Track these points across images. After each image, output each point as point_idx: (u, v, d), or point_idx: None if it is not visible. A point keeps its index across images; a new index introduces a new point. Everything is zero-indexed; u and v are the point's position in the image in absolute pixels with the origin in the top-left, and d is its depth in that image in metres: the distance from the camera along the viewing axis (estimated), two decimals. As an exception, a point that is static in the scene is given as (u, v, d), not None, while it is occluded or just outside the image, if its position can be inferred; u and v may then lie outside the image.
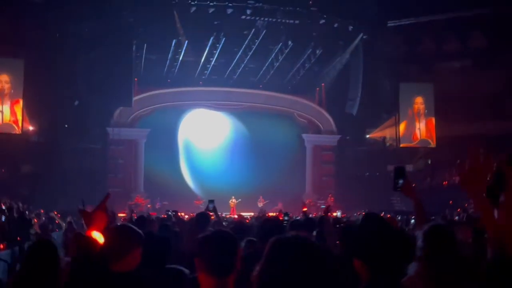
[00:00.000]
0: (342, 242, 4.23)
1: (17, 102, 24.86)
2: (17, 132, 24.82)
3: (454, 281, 2.62)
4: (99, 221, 2.88)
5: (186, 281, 3.35)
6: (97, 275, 2.82)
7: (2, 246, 9.56)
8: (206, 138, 30.81)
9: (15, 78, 24.80)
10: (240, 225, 6.08)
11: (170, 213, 9.98)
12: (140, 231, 3.11)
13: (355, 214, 21.86)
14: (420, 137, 30.04)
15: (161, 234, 4.62)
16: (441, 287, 2.62)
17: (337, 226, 4.72)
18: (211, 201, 7.30)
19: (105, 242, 2.94)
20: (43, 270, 3.70)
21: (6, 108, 24.67)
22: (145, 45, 26.16)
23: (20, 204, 18.54)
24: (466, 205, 24.05)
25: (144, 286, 2.99)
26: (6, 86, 24.74)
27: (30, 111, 25.21)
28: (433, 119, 29.83)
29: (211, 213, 6.93)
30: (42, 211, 20.17)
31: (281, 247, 1.82)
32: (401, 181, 3.25)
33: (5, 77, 24.73)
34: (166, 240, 3.94)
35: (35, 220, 15.12)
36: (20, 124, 24.87)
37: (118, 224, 3.22)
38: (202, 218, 6.10)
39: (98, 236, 2.85)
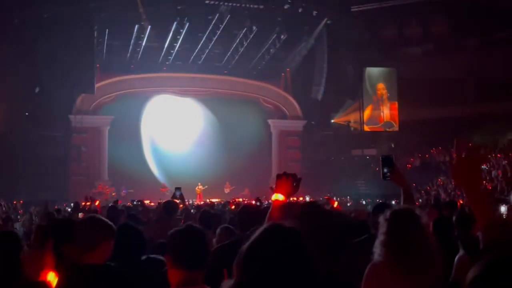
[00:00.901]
0: None
1: (-25, 89, 24.16)
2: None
3: (420, 267, 2.62)
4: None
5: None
6: (68, 268, 2.79)
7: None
8: (171, 124, 30.51)
9: (-28, 65, 24.07)
10: (207, 213, 6.02)
11: (135, 202, 9.87)
12: (111, 223, 3.04)
13: (321, 199, 22.09)
14: (385, 119, 30.56)
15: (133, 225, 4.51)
16: (407, 272, 2.63)
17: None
18: (178, 189, 7.25)
19: (76, 234, 2.92)
20: (5, 261, 3.62)
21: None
22: (107, 30, 25.64)
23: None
24: (428, 188, 24.64)
25: (117, 277, 2.95)
26: (-37, 73, 24.00)
27: (-11, 99, 24.53)
28: (396, 103, 30.35)
29: (178, 201, 6.87)
30: (3, 201, 19.73)
31: (273, 235, 1.80)
32: (386, 170, 3.26)
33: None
34: (139, 230, 3.87)
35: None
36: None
37: (89, 215, 3.16)
38: (169, 206, 6.05)
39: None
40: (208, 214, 6.16)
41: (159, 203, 11.12)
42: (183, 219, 6.54)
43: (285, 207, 3.25)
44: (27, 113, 25.75)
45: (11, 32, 23.46)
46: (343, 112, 31.55)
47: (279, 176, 3.28)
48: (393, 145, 31.16)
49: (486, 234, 2.18)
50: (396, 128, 30.54)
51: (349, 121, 32.00)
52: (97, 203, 17.12)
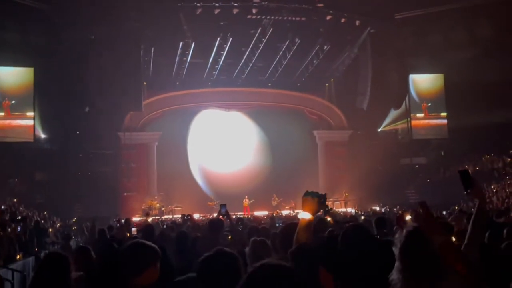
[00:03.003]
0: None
1: (28, 110, 25.04)
2: (29, 140, 24.99)
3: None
4: None
5: None
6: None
7: (18, 257, 9.60)
8: (217, 138, 30.77)
9: (25, 86, 25.00)
10: (254, 229, 6.02)
11: (186, 217, 9.97)
12: (155, 246, 3.09)
13: (368, 210, 21.83)
14: (433, 126, 30.06)
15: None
16: None
17: (346, 224, 4.36)
18: (223, 206, 7.27)
19: (121, 260, 2.98)
20: (52, 284, 3.70)
21: (17, 116, 24.91)
22: (153, 48, 26.18)
23: (36, 213, 18.65)
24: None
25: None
26: (16, 94, 24.94)
27: (42, 118, 25.37)
28: (444, 110, 29.76)
29: (223, 218, 6.91)
30: (58, 220, 20.31)
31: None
32: (467, 184, 3.21)
33: (15, 86, 24.95)
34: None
35: (50, 230, 15.19)
36: (32, 132, 25.04)
37: (132, 241, 3.20)
38: (214, 224, 6.08)
39: None
40: (255, 230, 6.16)
41: (206, 217, 11.16)
42: (230, 236, 6.55)
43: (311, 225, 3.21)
44: (78, 132, 26.48)
45: (62, 54, 24.23)
46: (390, 120, 31.11)
47: (306, 195, 3.25)
48: (443, 153, 30.49)
49: None
50: (445, 135, 29.88)
51: (397, 130, 31.54)
52: (149, 219, 17.43)
